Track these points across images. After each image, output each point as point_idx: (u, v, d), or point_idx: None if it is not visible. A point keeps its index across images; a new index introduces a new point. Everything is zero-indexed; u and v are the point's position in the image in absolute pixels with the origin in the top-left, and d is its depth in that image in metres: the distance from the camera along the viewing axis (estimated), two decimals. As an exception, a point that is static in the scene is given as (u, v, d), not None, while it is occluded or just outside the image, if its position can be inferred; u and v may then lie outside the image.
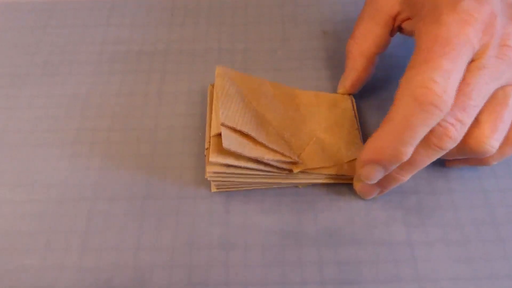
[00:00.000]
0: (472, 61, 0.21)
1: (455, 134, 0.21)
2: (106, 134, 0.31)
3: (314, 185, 0.29)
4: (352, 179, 0.28)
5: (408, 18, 0.27)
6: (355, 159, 0.27)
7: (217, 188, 0.28)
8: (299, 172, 0.27)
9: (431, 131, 0.21)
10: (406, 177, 0.25)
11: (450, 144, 0.21)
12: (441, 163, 0.29)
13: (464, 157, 0.26)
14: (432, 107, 0.20)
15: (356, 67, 0.30)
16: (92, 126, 0.32)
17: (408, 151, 0.21)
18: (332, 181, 0.28)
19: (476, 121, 0.23)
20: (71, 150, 0.31)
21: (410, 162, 0.23)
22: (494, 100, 0.23)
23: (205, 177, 0.27)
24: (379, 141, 0.22)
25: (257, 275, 0.26)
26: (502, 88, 0.23)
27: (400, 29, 0.29)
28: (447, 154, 0.23)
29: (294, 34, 0.37)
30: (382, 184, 0.26)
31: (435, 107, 0.20)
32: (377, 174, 0.24)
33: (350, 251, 0.26)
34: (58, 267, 0.26)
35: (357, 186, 0.27)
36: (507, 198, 0.28)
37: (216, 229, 0.27)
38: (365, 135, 0.31)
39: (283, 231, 0.27)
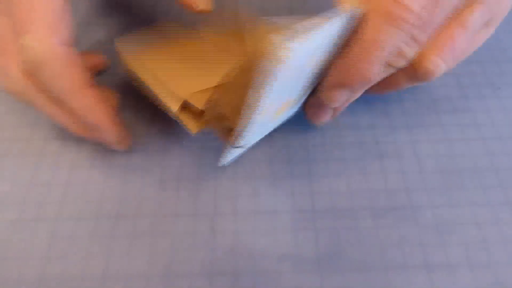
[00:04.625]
0: None
1: (411, 54, 0.21)
2: (76, 140, 0.27)
3: (313, 197, 0.25)
4: None
5: None
6: None
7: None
8: None
9: None
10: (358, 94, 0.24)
11: (403, 64, 0.22)
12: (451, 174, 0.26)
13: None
14: (403, 22, 0.19)
15: None
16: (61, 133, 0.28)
17: (377, 71, 0.21)
18: None
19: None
20: (34, 160, 0.27)
21: None
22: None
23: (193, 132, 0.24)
24: (347, 62, 0.21)
25: (247, 309, 0.22)
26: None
27: None
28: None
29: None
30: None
31: (405, 22, 0.19)
32: (343, 97, 0.23)
33: (357, 277, 0.23)
34: (9, 302, 0.22)
35: (309, 110, 0.26)
36: (538, 212, 0.25)
37: (199, 253, 0.24)
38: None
39: (278, 254, 0.24)
